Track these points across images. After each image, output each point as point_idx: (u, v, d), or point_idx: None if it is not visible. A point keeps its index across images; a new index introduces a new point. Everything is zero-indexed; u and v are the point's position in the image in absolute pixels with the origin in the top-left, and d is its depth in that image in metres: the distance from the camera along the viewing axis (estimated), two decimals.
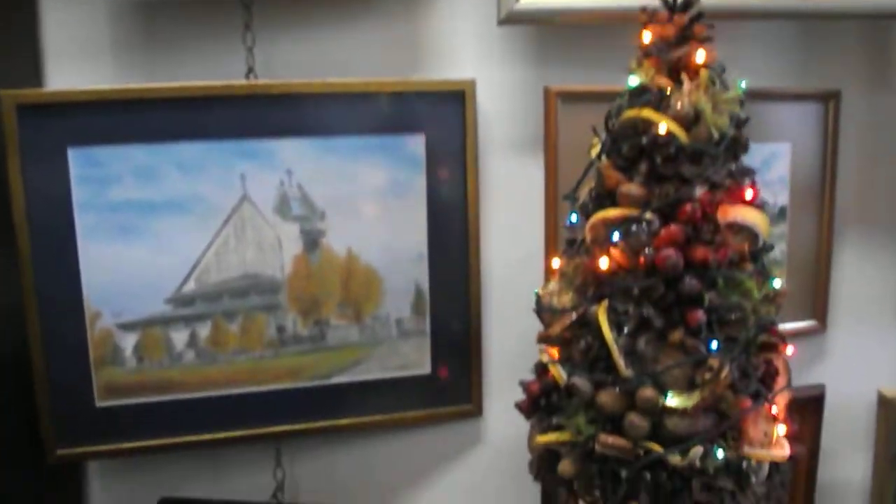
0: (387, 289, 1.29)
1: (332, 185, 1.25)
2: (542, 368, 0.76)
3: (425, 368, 1.32)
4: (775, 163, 1.38)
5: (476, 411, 1.36)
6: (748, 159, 0.74)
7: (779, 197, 1.38)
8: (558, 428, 0.73)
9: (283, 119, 1.22)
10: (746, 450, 0.69)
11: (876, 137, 1.45)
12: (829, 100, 1.39)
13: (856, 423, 1.51)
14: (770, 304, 0.71)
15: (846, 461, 1.52)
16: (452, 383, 1.34)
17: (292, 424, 1.29)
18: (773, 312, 0.70)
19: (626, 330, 0.69)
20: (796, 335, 1.45)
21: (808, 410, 1.44)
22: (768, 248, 0.72)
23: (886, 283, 1.50)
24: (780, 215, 1.39)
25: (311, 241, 1.26)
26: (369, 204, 1.26)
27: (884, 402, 1.39)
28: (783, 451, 0.72)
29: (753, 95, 1.34)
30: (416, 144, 1.26)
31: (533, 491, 1.37)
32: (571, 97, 1.23)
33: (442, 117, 1.26)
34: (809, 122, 1.38)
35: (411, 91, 1.23)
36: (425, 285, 1.30)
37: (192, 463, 1.33)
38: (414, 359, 1.32)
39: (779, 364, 0.73)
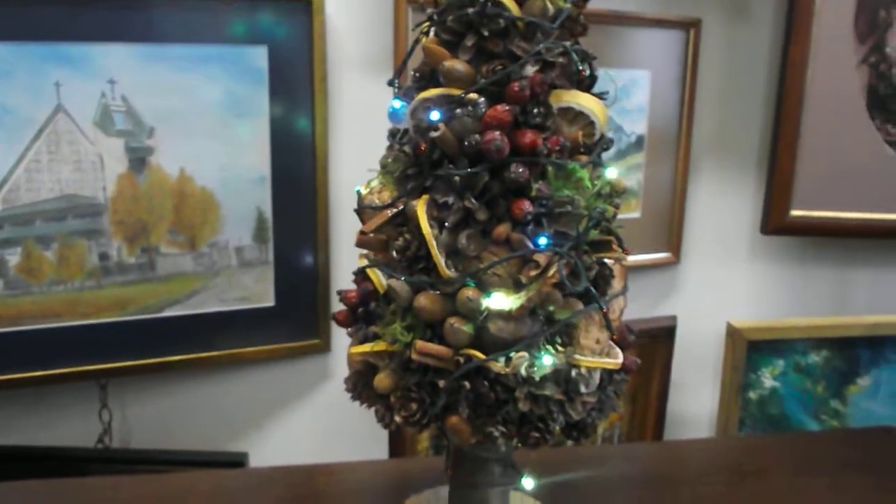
0: (225, 214, 1.17)
1: (163, 99, 1.11)
2: (361, 274, 0.66)
3: (268, 300, 1.21)
4: (634, 90, 1.33)
5: (324, 346, 1.26)
6: (606, 82, 0.67)
7: (637, 126, 1.33)
8: (375, 338, 0.64)
9: (104, 21, 1.06)
10: (576, 357, 0.62)
11: (734, 69, 1.43)
12: (690, 27, 1.33)
13: (705, 354, 1.51)
14: (605, 201, 0.64)
15: (695, 392, 1.52)
16: (298, 316, 1.24)
17: (119, 362, 1.15)
18: (609, 211, 0.63)
19: (447, 225, 0.60)
20: (651, 267, 1.42)
21: (660, 342, 1.43)
22: (607, 141, 0.65)
23: (739, 217, 1.49)
24: (637, 145, 1.35)
25: (138, 159, 1.11)
26: (205, 121, 1.13)
27: (732, 333, 1.39)
28: (616, 358, 0.66)
29: (614, 20, 1.29)
30: (258, 57, 1.14)
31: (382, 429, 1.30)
32: (424, 5, 1.15)
33: (287, 28, 1.14)
34: (670, 49, 1.33)
35: None
36: (268, 211, 1.19)
37: (10, 407, 1.17)
38: (256, 290, 1.21)
39: (615, 268, 0.66)
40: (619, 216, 0.65)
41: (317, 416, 1.31)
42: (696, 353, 1.50)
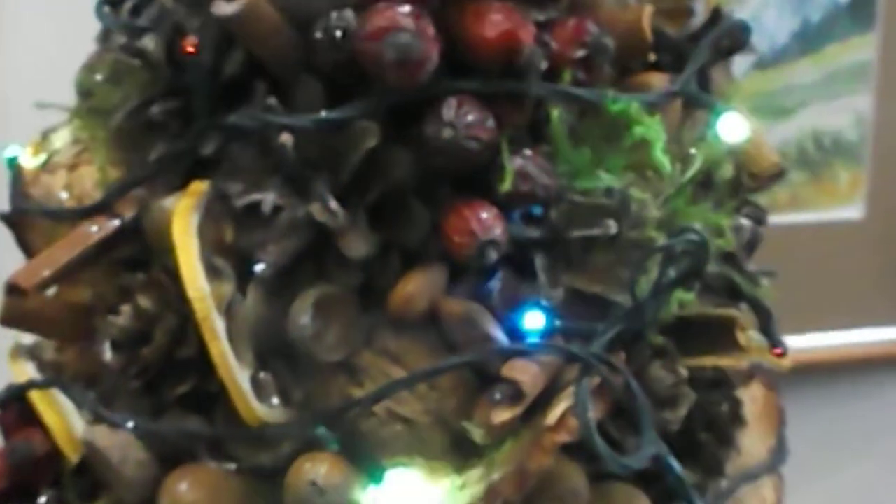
0: None
1: None
2: (16, 407, 0.69)
3: None
4: None
5: None
6: None
7: None
8: None
9: None
10: None
11: None
12: None
13: None
14: (720, 206, 0.66)
15: None
16: None
17: None
18: (728, 237, 0.66)
19: (260, 268, 0.62)
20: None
21: None
22: (732, 30, 0.68)
23: None
24: (854, 16, 1.39)
25: None
26: None
27: None
28: None
29: None
30: None
31: None
32: None
33: None
34: None
35: None
36: None
37: None
38: None
39: (746, 395, 0.69)
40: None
41: None
42: None
